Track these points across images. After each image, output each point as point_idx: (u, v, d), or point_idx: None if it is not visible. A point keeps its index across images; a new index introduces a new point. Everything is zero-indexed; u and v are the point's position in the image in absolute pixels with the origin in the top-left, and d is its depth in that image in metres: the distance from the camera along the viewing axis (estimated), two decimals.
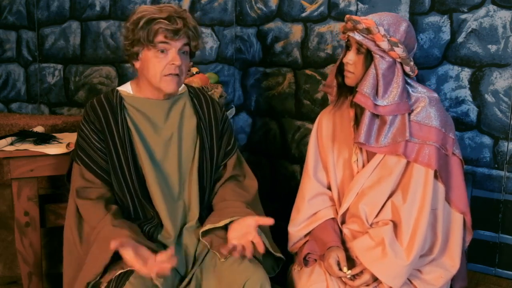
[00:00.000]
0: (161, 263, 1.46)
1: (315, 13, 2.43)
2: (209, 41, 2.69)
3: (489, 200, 2.01)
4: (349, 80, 1.71)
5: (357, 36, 1.63)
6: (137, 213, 1.70)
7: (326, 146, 1.84)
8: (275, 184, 2.68)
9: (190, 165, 1.76)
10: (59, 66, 2.78)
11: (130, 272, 1.52)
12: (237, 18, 2.71)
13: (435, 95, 1.72)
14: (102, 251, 1.53)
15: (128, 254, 1.47)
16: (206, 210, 1.78)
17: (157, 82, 1.67)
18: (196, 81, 2.26)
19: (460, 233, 1.72)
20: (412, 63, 1.68)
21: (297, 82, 2.54)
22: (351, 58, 1.68)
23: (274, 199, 2.62)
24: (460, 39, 2.02)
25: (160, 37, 1.63)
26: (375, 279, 1.64)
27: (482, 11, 1.96)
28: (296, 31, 2.50)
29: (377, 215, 1.71)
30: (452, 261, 1.71)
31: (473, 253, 2.02)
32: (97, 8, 2.68)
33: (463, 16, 2.00)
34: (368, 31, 1.61)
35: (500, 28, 1.93)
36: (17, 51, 2.83)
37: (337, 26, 2.35)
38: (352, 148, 1.77)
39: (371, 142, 1.67)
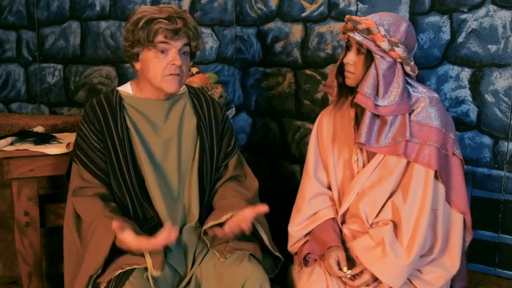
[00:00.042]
0: (164, 236, 1.48)
1: (315, 13, 2.43)
2: (209, 41, 2.69)
3: (489, 200, 2.01)
4: (350, 81, 1.71)
5: (357, 37, 1.63)
6: (137, 213, 1.70)
7: (326, 146, 1.84)
8: (275, 184, 2.68)
9: (190, 165, 1.76)
10: (59, 66, 2.78)
11: (130, 272, 1.52)
12: (237, 18, 2.71)
13: (436, 95, 1.72)
14: (101, 244, 1.53)
15: (128, 236, 1.48)
16: (206, 210, 1.78)
17: (158, 83, 1.67)
18: (196, 81, 2.26)
19: (460, 233, 1.72)
20: (412, 63, 1.68)
21: (297, 82, 2.54)
22: (351, 59, 1.68)
23: (274, 199, 2.62)
24: (460, 39, 2.02)
25: (160, 37, 1.63)
26: (375, 279, 1.64)
27: (482, 11, 1.96)
28: (296, 31, 2.50)
29: (377, 215, 1.71)
30: (452, 261, 1.71)
31: (473, 253, 2.02)
32: (97, 8, 2.68)
33: (463, 16, 2.00)
34: (368, 31, 1.61)
35: (500, 28, 1.93)
36: (17, 51, 2.83)
37: (337, 26, 2.35)
38: (353, 148, 1.77)
39: (371, 142, 1.67)
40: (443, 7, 2.05)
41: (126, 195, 1.68)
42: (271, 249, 1.71)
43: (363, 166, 1.75)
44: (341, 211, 1.77)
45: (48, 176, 2.21)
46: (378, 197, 1.70)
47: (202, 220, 1.73)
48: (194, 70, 2.34)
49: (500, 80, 1.95)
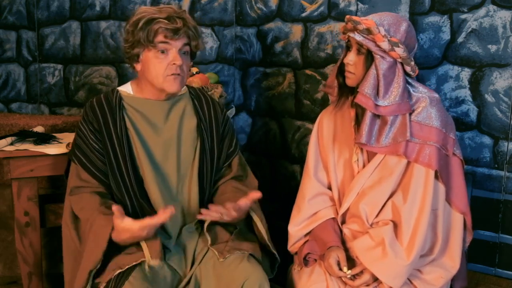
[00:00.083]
0: (161, 213, 1.50)
1: (315, 13, 2.43)
2: (209, 41, 2.69)
3: (489, 200, 2.01)
4: (350, 81, 1.71)
5: (358, 37, 1.63)
6: (136, 214, 1.70)
7: (326, 146, 1.84)
8: (275, 184, 2.68)
9: (190, 166, 1.76)
10: (59, 66, 2.78)
11: (129, 271, 1.52)
12: (237, 18, 2.71)
13: (436, 95, 1.72)
14: (98, 238, 1.54)
15: (128, 222, 1.49)
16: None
17: (160, 83, 1.67)
18: (196, 81, 2.26)
19: (461, 233, 1.72)
20: (412, 63, 1.68)
21: (297, 82, 2.54)
22: (352, 59, 1.68)
23: (274, 199, 2.62)
24: (460, 39, 2.02)
25: (160, 37, 1.63)
26: (375, 279, 1.64)
27: (482, 11, 1.96)
28: (296, 31, 2.50)
29: (377, 215, 1.71)
30: (452, 261, 1.71)
31: (473, 253, 2.02)
32: (97, 8, 2.69)
33: (463, 16, 2.00)
34: (368, 31, 1.61)
35: (500, 28, 1.93)
36: (17, 51, 2.83)
37: (337, 26, 2.35)
38: (353, 148, 1.77)
39: (372, 142, 1.67)
40: (443, 7, 2.05)
41: (125, 195, 1.68)
42: (268, 243, 1.70)
43: (363, 166, 1.75)
44: (341, 211, 1.77)
45: (48, 176, 2.21)
46: (378, 197, 1.70)
47: (201, 220, 1.73)
48: (194, 70, 2.34)
49: (500, 80, 1.95)
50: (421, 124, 1.67)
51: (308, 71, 2.48)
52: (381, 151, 1.69)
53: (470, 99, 2.02)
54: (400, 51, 1.62)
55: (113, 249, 1.56)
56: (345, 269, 1.65)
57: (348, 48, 1.71)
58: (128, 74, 2.68)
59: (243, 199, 1.64)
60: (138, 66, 1.70)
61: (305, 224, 1.81)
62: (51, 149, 2.00)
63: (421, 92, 1.71)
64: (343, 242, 1.75)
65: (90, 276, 1.52)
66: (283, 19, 2.54)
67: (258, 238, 1.75)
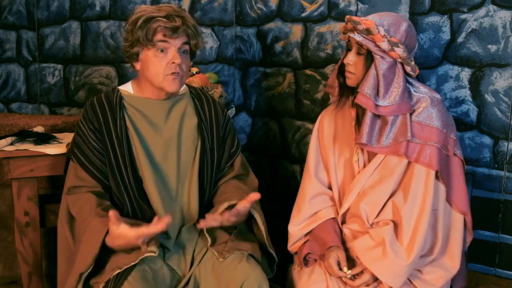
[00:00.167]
0: (155, 224, 1.49)
1: (315, 13, 2.43)
2: (209, 41, 2.69)
3: (489, 200, 2.01)
4: (350, 81, 1.71)
5: (357, 37, 1.63)
6: (135, 213, 1.70)
7: (327, 146, 1.84)
8: (275, 184, 2.68)
9: (190, 166, 1.76)
10: (59, 66, 2.78)
11: (129, 271, 1.52)
12: (237, 18, 2.71)
13: (437, 95, 1.72)
14: (91, 242, 1.53)
15: (122, 228, 1.48)
16: (206, 210, 1.78)
17: (159, 82, 1.67)
18: (196, 81, 2.26)
19: (461, 233, 1.72)
20: (413, 63, 1.68)
21: (297, 82, 2.54)
22: (352, 59, 1.68)
23: (274, 199, 2.62)
24: (460, 39, 2.02)
25: (159, 36, 1.63)
26: (375, 279, 1.64)
27: (482, 11, 1.96)
28: (296, 31, 2.50)
29: (377, 215, 1.71)
30: (452, 261, 1.71)
31: (473, 253, 2.02)
32: (97, 8, 2.69)
33: (463, 16, 2.00)
34: (368, 31, 1.61)
35: (500, 28, 1.93)
36: (17, 51, 2.83)
37: (337, 26, 2.36)
38: (353, 148, 1.76)
39: (373, 142, 1.67)
40: (443, 7, 2.05)
41: (125, 194, 1.68)
42: (266, 242, 1.70)
43: (364, 166, 1.75)
44: (341, 211, 1.77)
45: (48, 176, 2.20)
46: (378, 197, 1.70)
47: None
48: (194, 70, 2.34)
49: (500, 80, 1.95)
50: (422, 124, 1.67)
51: (308, 71, 2.48)
52: (382, 151, 1.69)
53: (470, 99, 2.02)
54: (399, 51, 1.62)
55: (110, 250, 1.55)
56: (345, 269, 1.65)
57: (348, 48, 1.71)
58: (128, 74, 2.68)
59: (242, 202, 1.63)
60: (137, 65, 1.70)
61: (305, 224, 1.81)
62: (51, 149, 2.00)
63: (422, 92, 1.71)
64: (343, 242, 1.75)
65: (81, 279, 1.52)
66: (283, 19, 2.54)
67: (258, 238, 1.75)
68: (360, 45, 1.65)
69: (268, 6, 2.58)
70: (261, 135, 2.73)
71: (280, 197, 2.62)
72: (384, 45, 1.61)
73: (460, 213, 1.71)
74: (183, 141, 1.76)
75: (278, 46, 2.57)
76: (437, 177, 1.66)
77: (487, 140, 2.00)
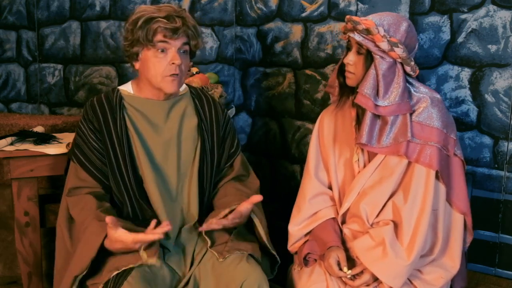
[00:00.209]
0: (157, 229, 1.48)
1: (315, 13, 2.43)
2: (209, 41, 2.69)
3: (489, 200, 2.01)
4: (350, 81, 1.71)
5: (357, 37, 1.63)
6: (135, 214, 1.70)
7: (327, 146, 1.84)
8: (275, 184, 2.68)
9: (190, 166, 1.76)
10: (59, 66, 2.78)
11: (128, 272, 1.52)
12: (237, 18, 2.71)
13: (437, 95, 1.72)
14: (89, 245, 1.53)
15: (120, 232, 1.47)
16: (206, 210, 1.78)
17: (158, 82, 1.67)
18: (196, 81, 2.26)
19: (461, 233, 1.72)
20: (413, 63, 1.68)
21: (297, 82, 2.54)
22: (352, 59, 1.68)
23: (274, 199, 2.62)
24: (460, 39, 2.02)
25: (159, 36, 1.63)
26: (375, 279, 1.64)
27: (482, 11, 1.96)
28: (296, 31, 2.50)
29: (377, 215, 1.71)
30: (452, 261, 1.71)
31: (473, 253, 2.02)
32: (97, 8, 2.69)
33: (463, 16, 2.00)
34: (367, 31, 1.61)
35: (500, 28, 1.93)
36: (17, 51, 2.83)
37: (337, 26, 2.35)
38: (354, 148, 1.76)
39: (373, 143, 1.67)
40: (443, 7, 2.05)
41: (125, 195, 1.68)
42: (267, 245, 1.70)
43: (364, 166, 1.75)
44: (341, 211, 1.77)
45: (48, 176, 2.21)
46: (378, 197, 1.70)
47: (201, 220, 1.72)
48: (194, 70, 2.34)
49: (500, 80, 1.95)
50: (422, 124, 1.67)
51: (308, 71, 2.48)
52: (382, 152, 1.69)
53: (470, 99, 2.02)
54: (399, 51, 1.62)
55: (108, 252, 1.55)
56: (345, 269, 1.65)
57: (348, 48, 1.71)
58: (128, 74, 2.68)
59: (244, 204, 1.63)
60: (137, 65, 1.70)
61: (305, 224, 1.81)
62: (51, 149, 2.00)
63: (422, 92, 1.71)
64: (343, 242, 1.75)
65: (75, 281, 1.52)
66: (283, 19, 2.54)
67: (258, 238, 1.75)
68: (360, 45, 1.65)
69: (268, 6, 2.58)
70: (261, 135, 2.73)
71: (280, 197, 2.62)
72: (384, 45, 1.61)
73: (460, 213, 1.71)
74: (183, 141, 1.76)
75: (278, 46, 2.57)
76: (437, 177, 1.66)
77: (487, 140, 2.00)
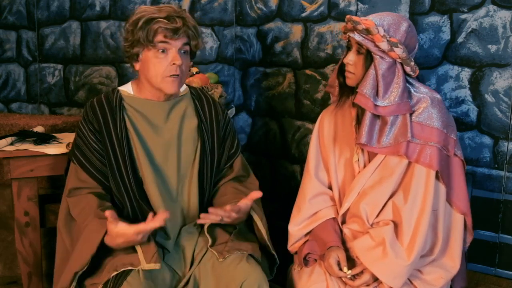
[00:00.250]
0: (152, 219, 1.49)
1: (315, 13, 2.43)
2: (209, 41, 2.69)
3: (489, 200, 2.01)
4: (350, 81, 1.71)
5: (357, 37, 1.63)
6: (135, 214, 1.70)
7: (327, 146, 1.84)
8: (275, 184, 2.68)
9: (190, 167, 1.76)
10: (59, 66, 2.78)
11: (128, 272, 1.52)
12: (237, 18, 2.71)
13: (438, 95, 1.72)
14: (89, 241, 1.53)
15: (122, 227, 1.49)
16: (206, 211, 1.77)
17: (158, 83, 1.67)
18: (196, 81, 2.26)
19: (461, 234, 1.72)
20: (412, 63, 1.68)
21: (297, 82, 2.54)
22: (352, 59, 1.68)
23: (274, 199, 2.62)
24: (460, 39, 2.02)
25: (159, 37, 1.62)
26: (376, 279, 1.64)
27: (482, 11, 1.96)
28: (296, 31, 2.50)
29: (378, 215, 1.71)
30: (452, 261, 1.71)
31: (473, 253, 2.02)
32: (97, 8, 2.69)
33: (463, 16, 2.00)
34: (367, 31, 1.61)
35: (500, 28, 1.93)
36: (17, 51, 2.83)
37: (337, 26, 2.35)
38: (354, 148, 1.76)
39: (372, 143, 1.67)
40: (443, 7, 2.04)
41: (125, 195, 1.68)
42: (268, 243, 1.70)
43: (364, 166, 1.75)
44: (341, 211, 1.77)
45: (48, 176, 2.21)
46: (378, 197, 1.70)
47: None
48: (194, 70, 2.34)
49: (500, 80, 1.95)
50: (422, 124, 1.67)
51: (308, 71, 2.48)
52: (382, 152, 1.69)
53: (470, 99, 2.02)
54: (399, 51, 1.62)
55: (107, 251, 1.55)
56: (345, 269, 1.65)
57: (348, 48, 1.71)
58: (128, 74, 2.68)
59: (243, 200, 1.64)
60: (137, 66, 1.70)
61: (305, 224, 1.81)
62: (51, 149, 2.00)
63: (422, 92, 1.71)
64: (343, 242, 1.75)
65: (75, 277, 1.52)
66: (283, 19, 2.54)
67: (258, 238, 1.75)
68: (360, 45, 1.65)
69: (268, 6, 2.58)
70: (261, 135, 2.73)
71: (280, 197, 2.62)
72: (384, 45, 1.61)
73: (461, 213, 1.71)
74: (183, 142, 1.76)
75: (278, 46, 2.57)
76: (437, 177, 1.66)
77: (487, 140, 2.00)
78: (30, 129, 2.23)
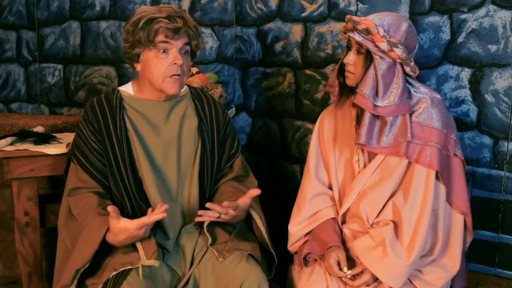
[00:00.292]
0: (157, 210, 1.50)
1: (315, 13, 2.43)
2: (209, 41, 2.69)
3: (489, 200, 2.01)
4: (350, 81, 1.71)
5: (357, 37, 1.63)
6: (135, 214, 1.69)
7: (327, 146, 1.84)
8: (275, 184, 2.68)
9: (190, 167, 1.76)
10: (59, 66, 2.78)
11: (128, 272, 1.52)
12: (237, 18, 2.71)
13: (438, 95, 1.72)
14: (90, 239, 1.54)
15: (124, 222, 1.49)
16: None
17: (159, 84, 1.67)
18: (196, 81, 2.26)
19: (461, 234, 1.72)
20: (412, 63, 1.68)
21: (297, 82, 2.54)
22: (351, 59, 1.68)
23: (274, 199, 2.62)
24: (460, 39, 2.02)
25: (160, 37, 1.62)
26: (376, 279, 1.64)
27: (482, 11, 1.96)
28: (296, 31, 2.50)
29: (378, 215, 1.71)
30: (452, 261, 1.71)
31: (473, 253, 2.02)
32: (97, 8, 2.69)
33: (463, 16, 2.00)
34: (367, 31, 1.61)
35: (500, 28, 1.93)
36: (17, 51, 2.83)
37: (337, 26, 2.36)
38: (354, 148, 1.76)
39: (372, 143, 1.67)
40: (443, 7, 2.05)
41: (125, 195, 1.68)
42: (267, 241, 1.70)
43: (364, 166, 1.75)
44: (341, 211, 1.77)
45: (48, 176, 2.21)
46: (379, 197, 1.70)
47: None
48: (194, 70, 2.34)
49: (500, 80, 1.95)
50: (422, 125, 1.67)
51: (308, 71, 2.48)
52: (382, 152, 1.69)
53: (470, 99, 2.02)
54: (399, 51, 1.62)
55: (109, 249, 1.55)
56: (345, 269, 1.65)
57: (348, 48, 1.71)
58: (128, 74, 2.68)
59: (242, 198, 1.64)
60: (138, 66, 1.70)
61: (305, 224, 1.81)
62: (51, 149, 2.00)
63: (422, 92, 1.71)
64: (343, 242, 1.75)
65: (77, 274, 1.52)
66: (283, 19, 2.54)
67: (258, 238, 1.75)
68: (360, 45, 1.65)
69: (268, 6, 2.58)
70: (261, 135, 2.73)
71: (280, 197, 2.63)
72: (383, 45, 1.61)
73: (461, 214, 1.71)
74: (183, 142, 1.76)
75: (278, 46, 2.57)
76: (437, 177, 1.66)
77: (487, 140, 2.00)
78: (30, 129, 2.23)
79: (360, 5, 2.27)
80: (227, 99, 2.54)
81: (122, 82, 2.53)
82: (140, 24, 1.62)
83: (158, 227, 1.69)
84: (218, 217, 1.60)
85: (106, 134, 1.68)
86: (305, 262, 1.75)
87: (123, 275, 1.51)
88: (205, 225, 1.67)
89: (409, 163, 1.68)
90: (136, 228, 1.50)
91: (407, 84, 1.70)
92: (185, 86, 1.84)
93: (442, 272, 1.70)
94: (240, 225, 1.75)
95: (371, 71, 1.64)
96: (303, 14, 2.47)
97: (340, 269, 1.66)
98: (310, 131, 2.45)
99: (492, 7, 1.94)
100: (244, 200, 1.65)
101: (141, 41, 1.63)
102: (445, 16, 2.04)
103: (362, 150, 1.75)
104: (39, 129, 2.26)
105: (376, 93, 1.64)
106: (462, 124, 2.04)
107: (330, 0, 2.37)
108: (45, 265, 2.17)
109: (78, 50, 2.74)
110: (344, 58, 1.71)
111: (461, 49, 2.02)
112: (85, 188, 1.68)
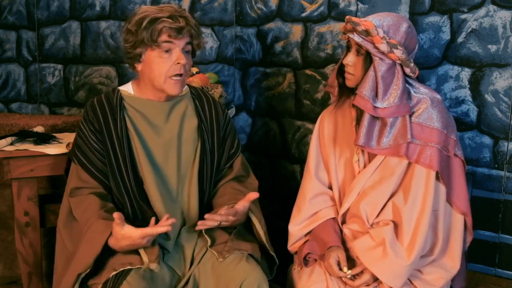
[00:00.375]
0: (163, 223, 1.50)
1: (315, 13, 2.43)
2: (209, 41, 2.69)
3: (489, 200, 2.01)
4: (349, 82, 1.71)
5: (356, 38, 1.63)
6: (136, 214, 1.70)
7: (327, 146, 1.84)
8: (275, 184, 2.68)
9: (190, 167, 1.76)
10: (59, 66, 2.78)
11: (127, 272, 1.52)
12: (237, 18, 2.71)
13: (438, 96, 1.72)
14: (93, 243, 1.53)
15: (128, 229, 1.49)
16: (206, 211, 1.77)
17: (161, 84, 1.66)
18: (196, 81, 2.26)
19: (461, 234, 1.72)
20: (412, 64, 1.68)
21: (297, 82, 2.54)
22: (351, 60, 1.67)
23: (274, 199, 2.62)
24: (460, 39, 2.02)
25: (164, 37, 1.62)
26: (376, 279, 1.64)
27: (482, 11, 1.96)
28: (296, 31, 2.50)
29: (378, 215, 1.71)
30: (452, 261, 1.71)
31: (473, 253, 2.02)
32: (97, 8, 2.68)
33: (463, 16, 2.00)
34: (367, 33, 1.61)
35: (500, 28, 1.93)
36: (17, 51, 2.83)
37: (337, 26, 2.35)
38: (354, 148, 1.76)
39: (372, 144, 1.67)
40: (443, 7, 2.04)
41: (125, 196, 1.68)
42: (266, 245, 1.70)
43: (364, 166, 1.75)
44: (341, 211, 1.77)
45: (48, 176, 2.21)
46: (379, 198, 1.70)
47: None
48: (194, 70, 2.33)
49: (500, 80, 1.95)
50: (422, 125, 1.67)
51: (308, 71, 2.48)
52: (382, 153, 1.69)
53: (470, 99, 2.02)
54: (399, 53, 1.62)
55: (110, 252, 1.55)
56: (345, 269, 1.65)
57: (348, 48, 1.71)
58: (128, 74, 2.68)
59: (240, 202, 1.64)
60: (139, 66, 1.69)
61: (305, 224, 1.81)
62: (51, 149, 2.00)
63: (422, 93, 1.71)
64: (343, 242, 1.75)
65: (79, 279, 1.52)
66: (283, 19, 2.54)
67: (257, 239, 1.75)
68: (359, 46, 1.65)
69: (268, 6, 2.58)
70: (261, 135, 2.73)
71: (280, 197, 2.62)
72: (383, 47, 1.61)
73: (461, 214, 1.71)
74: (183, 142, 1.76)
75: (278, 46, 2.57)
76: (437, 177, 1.66)
77: (487, 140, 2.00)
78: (30, 129, 2.23)
79: (360, 5, 2.27)
80: (227, 99, 2.54)
81: (122, 82, 2.53)
82: (144, 24, 1.61)
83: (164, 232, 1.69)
84: (219, 225, 1.61)
85: (107, 133, 1.68)
86: (305, 262, 1.75)
87: (123, 275, 1.51)
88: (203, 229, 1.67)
89: (409, 163, 1.68)
90: (140, 237, 1.49)
91: (406, 85, 1.70)
92: (185, 86, 1.84)
93: (442, 272, 1.70)
94: (239, 225, 1.75)
95: (370, 72, 1.63)
96: (303, 14, 2.47)
97: (340, 269, 1.66)
98: (310, 131, 2.45)
99: (492, 7, 1.94)
100: (243, 204, 1.64)
101: (144, 41, 1.62)
102: (445, 16, 2.04)
103: (362, 150, 1.75)
104: (39, 129, 2.26)
105: (376, 95, 1.64)
106: (462, 124, 2.04)
107: (330, 0, 2.37)
108: (45, 265, 2.17)
109: (78, 50, 2.74)
110: (343, 59, 1.71)
111: (461, 49, 2.02)
112: (86, 188, 1.68)
